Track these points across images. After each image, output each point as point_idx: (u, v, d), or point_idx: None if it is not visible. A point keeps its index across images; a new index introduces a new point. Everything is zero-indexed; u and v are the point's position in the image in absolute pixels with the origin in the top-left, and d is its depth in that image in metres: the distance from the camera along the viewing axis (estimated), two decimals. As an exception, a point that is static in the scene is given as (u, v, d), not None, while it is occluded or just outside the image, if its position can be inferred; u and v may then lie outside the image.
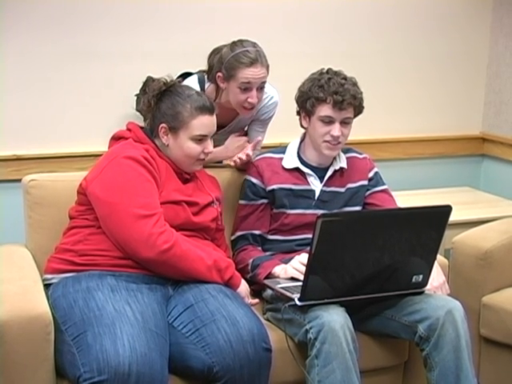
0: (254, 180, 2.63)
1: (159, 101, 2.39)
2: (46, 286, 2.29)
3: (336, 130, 2.52)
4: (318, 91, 2.51)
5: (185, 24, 3.18)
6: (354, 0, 3.51)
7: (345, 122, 2.54)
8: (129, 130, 2.44)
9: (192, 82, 2.71)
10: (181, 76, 2.82)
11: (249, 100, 2.62)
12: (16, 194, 2.66)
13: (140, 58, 3.09)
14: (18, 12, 2.93)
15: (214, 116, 2.41)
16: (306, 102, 2.55)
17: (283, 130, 2.82)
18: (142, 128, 2.45)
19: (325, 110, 2.52)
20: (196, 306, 2.20)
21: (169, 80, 2.43)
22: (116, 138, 2.45)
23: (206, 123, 2.37)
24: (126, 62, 3.09)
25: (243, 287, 2.37)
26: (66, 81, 3.05)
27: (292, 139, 2.71)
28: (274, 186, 2.60)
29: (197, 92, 2.44)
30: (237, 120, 2.82)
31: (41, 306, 2.10)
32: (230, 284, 2.33)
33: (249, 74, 2.59)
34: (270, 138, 2.96)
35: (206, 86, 2.73)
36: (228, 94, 2.66)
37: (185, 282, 2.29)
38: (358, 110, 2.57)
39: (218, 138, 2.81)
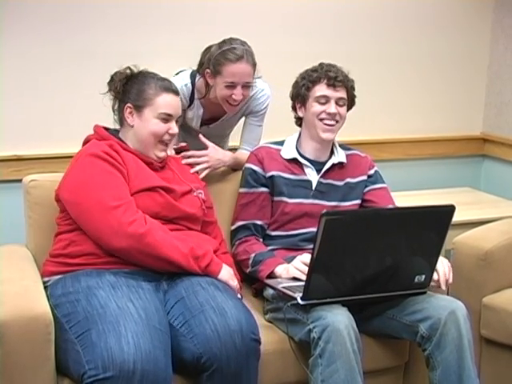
0: (254, 167, 2.65)
1: (125, 85, 2.42)
2: (45, 288, 2.28)
3: (332, 107, 2.56)
4: (312, 74, 2.60)
5: (184, 24, 3.19)
6: (355, 1, 3.51)
7: (339, 104, 2.58)
8: (94, 132, 2.47)
9: (184, 75, 2.76)
10: (176, 74, 2.83)
11: (233, 97, 2.65)
12: (16, 195, 2.66)
13: (140, 58, 3.05)
14: (18, 13, 2.93)
15: (179, 99, 2.44)
16: (301, 88, 2.61)
17: (281, 130, 2.81)
18: (106, 128, 2.47)
19: (320, 90, 2.57)
20: (186, 299, 2.20)
21: (135, 69, 2.46)
22: (82, 145, 2.47)
23: (170, 102, 2.39)
24: (126, 63, 3.06)
25: (224, 271, 2.35)
26: (67, 81, 3.05)
27: (290, 139, 2.73)
28: (274, 173, 2.62)
29: (163, 77, 2.47)
30: (227, 115, 2.84)
31: (41, 306, 2.10)
32: (208, 272, 2.31)
33: (234, 69, 2.61)
34: (269, 138, 2.95)
35: (196, 80, 2.76)
36: (215, 90, 2.68)
37: (178, 276, 2.29)
38: (351, 96, 2.63)
39: (211, 132, 2.84)
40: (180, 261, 2.26)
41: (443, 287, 2.35)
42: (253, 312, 2.33)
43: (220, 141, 2.94)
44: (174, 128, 2.40)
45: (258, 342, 2.17)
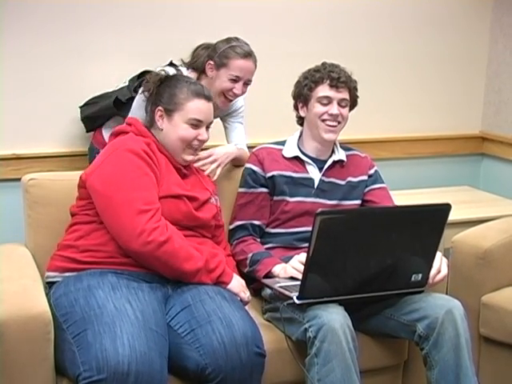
0: (254, 168, 2.65)
1: (158, 87, 2.42)
2: (48, 284, 2.29)
3: (334, 108, 2.57)
4: (315, 74, 2.60)
5: (183, 24, 3.18)
6: (353, 0, 3.51)
7: (342, 105, 2.58)
8: (129, 124, 2.44)
9: (167, 69, 2.69)
10: (141, 74, 2.81)
11: (234, 90, 2.69)
12: (15, 193, 2.66)
13: (138, 56, 3.09)
14: (17, 13, 2.93)
15: (211, 104, 2.42)
16: (303, 88, 2.61)
17: (281, 130, 2.81)
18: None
19: (322, 91, 2.57)
20: (193, 307, 2.19)
21: (170, 73, 2.48)
22: (115, 134, 2.44)
23: (201, 108, 2.38)
24: (124, 61, 3.08)
25: (235, 282, 2.36)
26: (65, 79, 3.05)
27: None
28: (274, 173, 2.62)
29: (196, 81, 2.48)
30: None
31: (40, 305, 2.09)
32: (218, 282, 2.32)
33: (242, 64, 2.67)
34: (269, 138, 2.95)
35: (184, 74, 2.74)
36: (214, 82, 2.70)
37: (184, 283, 2.29)
38: (354, 96, 2.63)
39: None
40: (193, 274, 2.26)
41: (430, 281, 2.34)
42: (251, 311, 2.34)
43: None
44: (203, 134, 2.39)
45: (263, 355, 2.17)
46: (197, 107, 2.37)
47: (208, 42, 2.77)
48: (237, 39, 2.71)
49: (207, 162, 2.62)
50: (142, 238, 2.18)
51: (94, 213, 2.30)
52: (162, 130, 2.39)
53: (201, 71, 2.75)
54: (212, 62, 2.70)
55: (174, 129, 2.37)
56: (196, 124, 2.37)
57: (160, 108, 2.38)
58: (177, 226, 2.31)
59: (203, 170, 2.59)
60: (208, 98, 2.40)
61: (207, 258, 2.28)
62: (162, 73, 2.45)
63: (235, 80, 2.68)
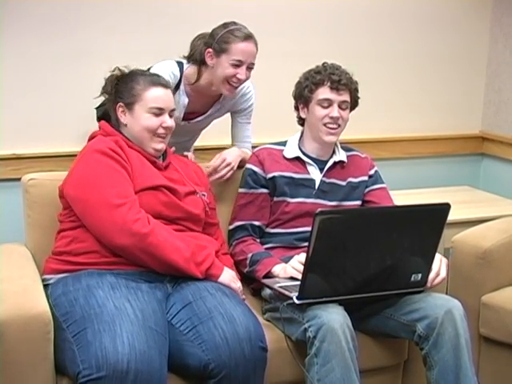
0: (254, 168, 2.65)
1: (116, 85, 2.43)
2: (46, 286, 2.29)
3: (335, 111, 2.55)
4: (315, 75, 2.58)
5: (183, 24, 3.18)
6: (352, 0, 3.51)
7: (342, 108, 2.57)
8: (99, 128, 2.47)
9: (169, 63, 2.71)
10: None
11: (238, 76, 2.62)
12: (15, 193, 2.67)
13: (139, 57, 3.07)
14: (18, 13, 2.93)
15: (169, 91, 2.43)
16: (304, 89, 2.60)
17: (281, 130, 2.81)
18: (111, 125, 2.47)
19: (323, 93, 2.56)
20: (194, 304, 2.20)
21: (126, 70, 2.47)
22: (88, 140, 2.47)
23: (159, 95, 2.39)
24: (125, 61, 3.07)
25: (226, 274, 2.35)
26: (65, 80, 3.05)
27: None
28: (275, 174, 2.62)
29: (151, 72, 2.49)
30: (213, 109, 2.83)
31: (40, 305, 2.10)
32: (208, 275, 2.31)
33: (243, 47, 2.60)
34: (269, 138, 2.95)
35: (184, 68, 2.72)
36: (215, 70, 2.64)
37: (183, 280, 2.29)
38: (354, 97, 2.62)
39: (189, 128, 2.82)
40: (181, 264, 2.26)
41: (428, 285, 2.34)
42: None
43: (192, 137, 2.93)
44: (167, 121, 2.40)
45: (266, 350, 2.17)
46: (155, 95, 2.38)
47: (204, 31, 2.71)
48: (234, 23, 2.64)
49: (222, 166, 2.65)
50: (125, 230, 2.19)
51: (78, 218, 2.31)
52: (126, 125, 2.41)
53: (201, 63, 2.69)
54: (211, 50, 2.63)
55: (136, 120, 2.39)
56: (158, 113, 2.38)
57: (120, 104, 2.40)
58: (161, 219, 2.31)
59: (194, 168, 2.59)
60: (165, 86, 2.42)
61: (193, 251, 2.28)
62: (117, 71, 2.46)
63: (238, 65, 2.60)
